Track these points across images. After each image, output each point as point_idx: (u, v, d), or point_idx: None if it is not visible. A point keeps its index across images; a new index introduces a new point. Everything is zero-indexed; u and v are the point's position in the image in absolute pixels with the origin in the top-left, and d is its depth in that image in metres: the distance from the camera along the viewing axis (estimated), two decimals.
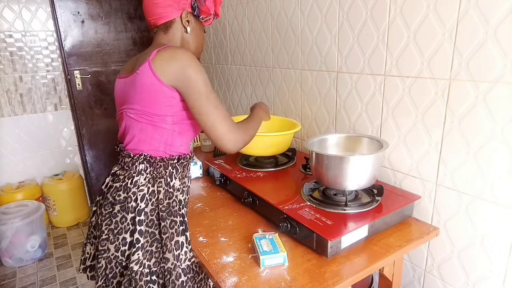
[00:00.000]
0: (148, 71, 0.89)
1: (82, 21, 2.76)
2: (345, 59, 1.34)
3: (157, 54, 0.90)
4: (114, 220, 0.94)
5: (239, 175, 1.34)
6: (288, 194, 1.16)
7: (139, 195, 0.93)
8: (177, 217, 0.95)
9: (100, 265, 0.96)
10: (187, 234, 0.96)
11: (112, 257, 0.95)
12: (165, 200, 0.96)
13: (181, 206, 0.97)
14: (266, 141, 1.39)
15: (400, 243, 1.00)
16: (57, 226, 2.81)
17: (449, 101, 1.02)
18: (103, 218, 0.96)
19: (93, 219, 1.05)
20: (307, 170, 1.37)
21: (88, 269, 1.09)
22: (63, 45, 2.72)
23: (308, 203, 1.08)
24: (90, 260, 1.08)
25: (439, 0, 0.99)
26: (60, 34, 2.69)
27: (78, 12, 2.74)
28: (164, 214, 0.94)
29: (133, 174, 0.95)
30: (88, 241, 1.08)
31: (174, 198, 0.97)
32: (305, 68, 1.56)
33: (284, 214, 1.04)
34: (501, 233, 0.97)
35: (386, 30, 1.16)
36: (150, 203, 0.94)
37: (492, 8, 0.88)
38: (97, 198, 1.05)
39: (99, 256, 0.96)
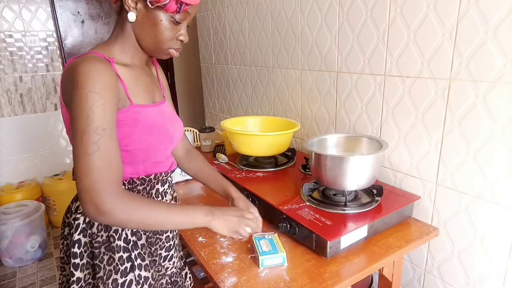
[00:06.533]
0: (61, 87, 0.75)
1: (82, 21, 2.76)
2: (345, 59, 1.34)
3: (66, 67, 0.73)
4: (67, 254, 0.87)
5: (238, 175, 1.34)
6: (288, 194, 1.16)
7: (75, 224, 0.82)
8: (118, 253, 0.80)
9: None
10: (138, 273, 0.81)
11: None
12: (103, 233, 0.80)
13: (128, 240, 0.82)
14: (266, 141, 1.39)
15: (400, 243, 1.00)
16: (57, 226, 2.80)
17: (449, 101, 1.02)
18: (61, 252, 0.90)
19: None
20: (307, 170, 1.36)
21: None
22: (63, 45, 2.72)
23: (308, 203, 1.08)
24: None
25: (439, 0, 0.99)
26: (60, 34, 2.69)
27: (78, 12, 2.74)
28: (97, 251, 0.80)
29: (70, 204, 0.88)
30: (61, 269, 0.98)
31: (115, 229, 0.80)
32: (305, 68, 1.56)
33: (283, 214, 1.04)
34: (501, 233, 0.96)
35: (386, 30, 1.16)
36: (87, 234, 0.82)
37: (492, 8, 0.88)
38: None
39: None
